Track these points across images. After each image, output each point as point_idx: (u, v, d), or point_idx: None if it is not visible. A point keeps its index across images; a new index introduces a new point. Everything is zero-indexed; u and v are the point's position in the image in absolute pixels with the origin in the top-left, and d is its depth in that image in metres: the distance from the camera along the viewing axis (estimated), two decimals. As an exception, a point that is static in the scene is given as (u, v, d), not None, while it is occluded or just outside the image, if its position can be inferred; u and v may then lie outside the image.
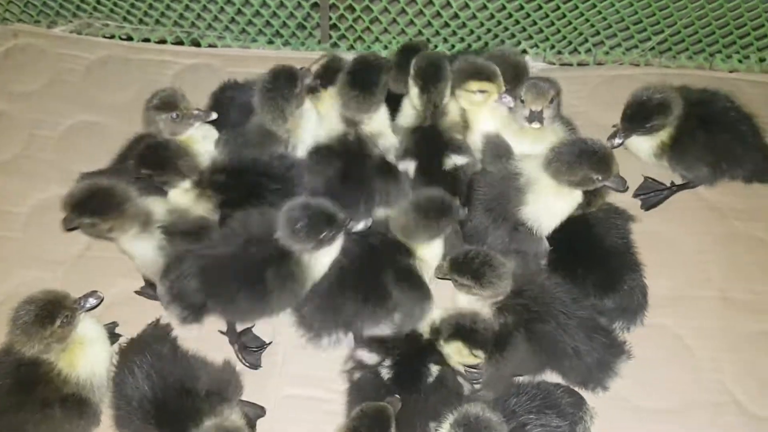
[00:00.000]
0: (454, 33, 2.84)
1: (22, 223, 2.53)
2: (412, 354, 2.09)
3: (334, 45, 2.94)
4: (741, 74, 2.85)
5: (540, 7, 2.70)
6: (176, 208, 2.24)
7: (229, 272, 2.09)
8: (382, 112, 2.37)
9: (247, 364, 2.23)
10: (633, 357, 2.17)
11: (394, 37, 2.85)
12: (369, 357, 2.10)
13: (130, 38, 3.00)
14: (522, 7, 2.70)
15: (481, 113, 2.40)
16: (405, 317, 2.14)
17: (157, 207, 2.21)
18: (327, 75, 2.43)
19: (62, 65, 2.91)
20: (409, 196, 2.27)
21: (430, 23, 2.80)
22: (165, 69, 2.90)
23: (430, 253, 2.23)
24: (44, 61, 2.92)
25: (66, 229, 2.14)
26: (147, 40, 3.00)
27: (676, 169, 2.52)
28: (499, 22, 2.77)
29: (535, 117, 2.32)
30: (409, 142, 2.38)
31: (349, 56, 2.47)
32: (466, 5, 2.71)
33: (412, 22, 2.79)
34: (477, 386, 2.10)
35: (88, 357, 2.04)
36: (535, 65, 2.84)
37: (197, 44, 2.99)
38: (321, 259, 2.14)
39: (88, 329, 2.08)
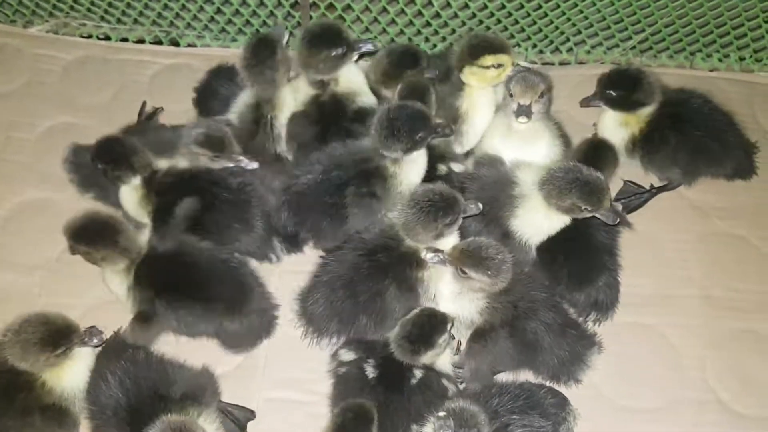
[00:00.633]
0: (436, 32, 2.82)
1: (-1, 226, 2.50)
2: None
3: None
4: (721, 73, 2.86)
5: (521, 6, 2.69)
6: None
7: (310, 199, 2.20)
8: (352, 71, 2.40)
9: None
10: (604, 350, 2.17)
11: (375, 37, 2.83)
12: (348, 355, 2.09)
13: (108, 38, 2.95)
14: (503, 6, 2.69)
15: (485, 96, 2.36)
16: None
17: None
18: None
19: (39, 66, 2.85)
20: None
21: (411, 22, 2.78)
22: (144, 69, 2.85)
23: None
24: (20, 61, 2.86)
25: (72, 254, 2.18)
26: (125, 39, 2.95)
27: (649, 169, 2.51)
28: (481, 21, 2.76)
29: (523, 111, 2.21)
30: None
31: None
32: (448, 4, 2.69)
33: (393, 21, 2.77)
34: (462, 386, 2.10)
35: (75, 373, 2.06)
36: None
37: (176, 44, 2.95)
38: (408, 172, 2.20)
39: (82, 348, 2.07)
